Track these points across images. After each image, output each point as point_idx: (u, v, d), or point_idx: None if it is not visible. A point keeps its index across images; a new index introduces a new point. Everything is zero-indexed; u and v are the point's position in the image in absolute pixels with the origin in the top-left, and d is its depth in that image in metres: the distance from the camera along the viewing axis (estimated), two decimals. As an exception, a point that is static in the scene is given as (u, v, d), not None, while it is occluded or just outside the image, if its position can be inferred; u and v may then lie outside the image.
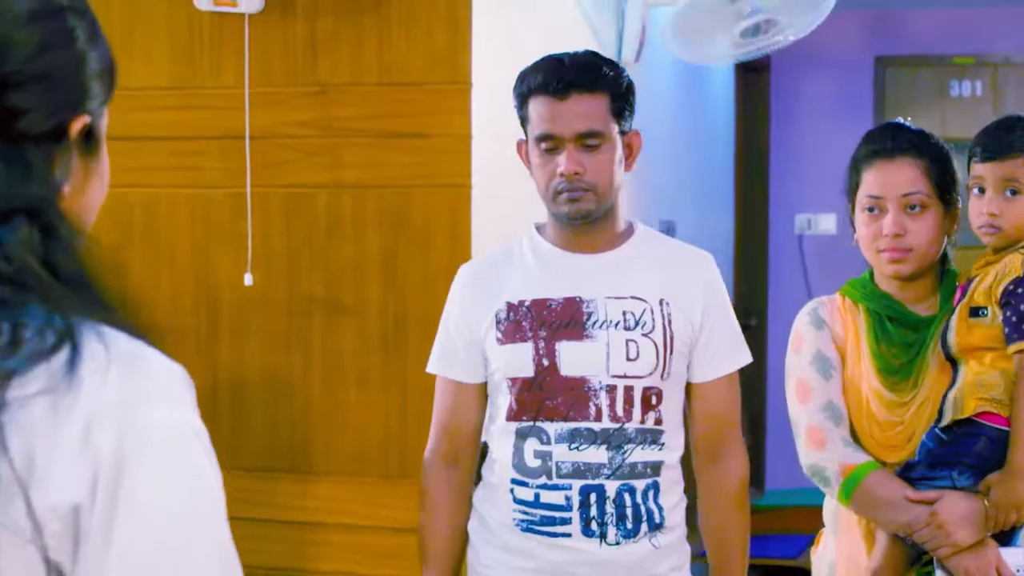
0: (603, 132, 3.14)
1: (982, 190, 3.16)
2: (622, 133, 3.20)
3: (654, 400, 3.18)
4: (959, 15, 8.82)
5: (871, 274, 3.35)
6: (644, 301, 3.19)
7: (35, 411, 1.33)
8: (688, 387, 3.28)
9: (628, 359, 3.15)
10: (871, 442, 3.22)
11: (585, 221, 3.19)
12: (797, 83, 9.10)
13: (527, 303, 3.21)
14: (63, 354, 1.36)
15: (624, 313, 3.17)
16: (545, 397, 3.17)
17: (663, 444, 3.20)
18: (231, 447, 4.21)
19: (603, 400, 3.15)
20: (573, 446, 3.14)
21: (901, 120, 3.39)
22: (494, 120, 4.11)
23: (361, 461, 4.14)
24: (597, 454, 3.14)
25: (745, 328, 3.52)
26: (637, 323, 3.17)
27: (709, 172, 8.12)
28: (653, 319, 3.18)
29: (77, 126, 1.51)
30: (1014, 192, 3.13)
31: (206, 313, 4.26)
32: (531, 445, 3.18)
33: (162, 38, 4.28)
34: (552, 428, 3.16)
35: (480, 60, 4.04)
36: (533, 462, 3.18)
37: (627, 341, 3.16)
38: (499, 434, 3.25)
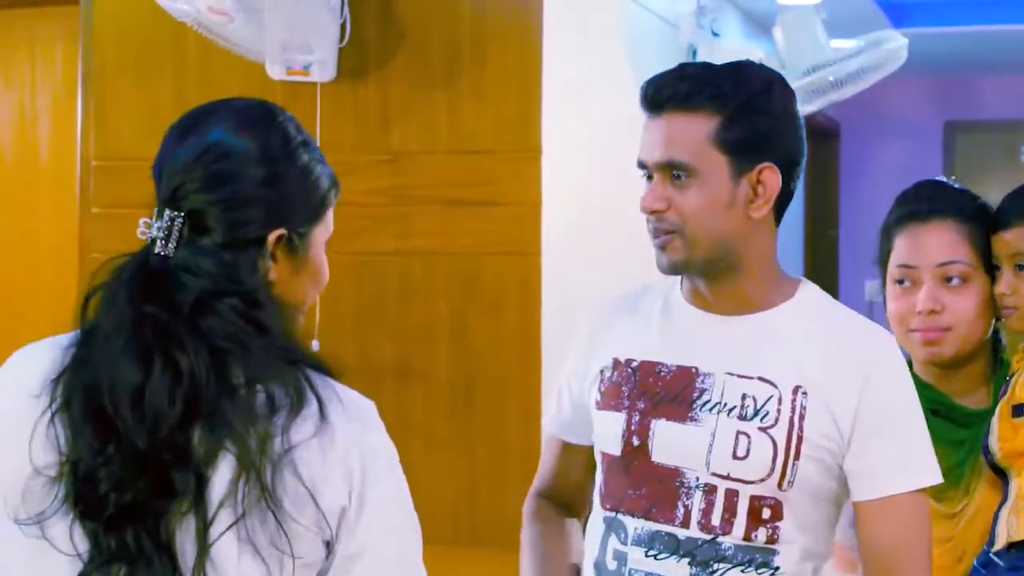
0: (689, 164, 2.44)
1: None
2: (740, 168, 2.46)
3: (767, 513, 2.45)
4: (1029, 81, 8.79)
5: (911, 361, 2.79)
6: (773, 385, 2.46)
7: (312, 449, 1.92)
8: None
9: (735, 456, 2.45)
10: None
11: (684, 274, 2.56)
12: (867, 149, 9.09)
13: (635, 364, 2.57)
14: (313, 406, 1.94)
15: (744, 397, 2.47)
16: (629, 485, 2.54)
17: (776, 570, 2.46)
18: (302, 513, 4.21)
19: (696, 502, 2.47)
20: (651, 552, 2.50)
21: (942, 178, 2.97)
22: (564, 187, 4.13)
23: (431, 528, 4.11)
24: (677, 568, 2.47)
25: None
26: (756, 413, 2.46)
27: (779, 238, 8.10)
28: (779, 410, 2.45)
29: (273, 237, 2.03)
30: (1021, 267, 2.71)
31: (277, 379, 4.28)
32: (612, 543, 2.56)
33: (236, 107, 4.32)
34: (632, 525, 2.53)
35: (550, 128, 4.06)
36: (611, 563, 2.56)
37: (738, 433, 2.45)
38: (593, 517, 2.65)
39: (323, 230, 2.16)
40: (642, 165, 2.50)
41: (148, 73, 4.42)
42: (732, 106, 2.44)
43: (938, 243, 2.75)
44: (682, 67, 2.51)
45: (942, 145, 9.09)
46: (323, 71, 4.14)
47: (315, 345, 4.17)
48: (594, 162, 4.38)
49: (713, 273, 2.51)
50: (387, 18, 4.19)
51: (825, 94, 5.26)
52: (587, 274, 4.29)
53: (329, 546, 1.95)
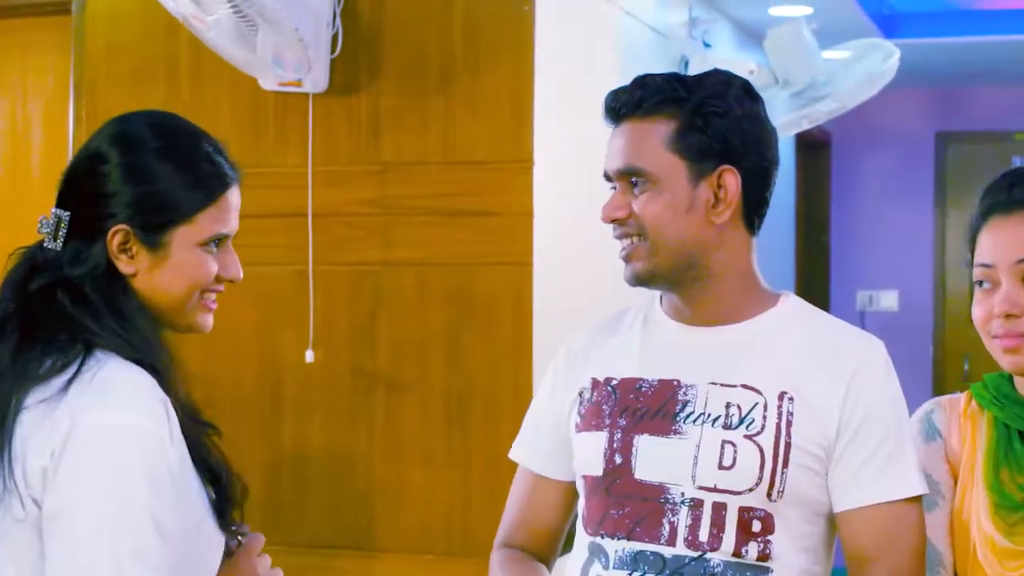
0: (646, 170, 2.40)
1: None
2: (699, 172, 2.41)
3: (757, 526, 2.34)
4: (1021, 92, 8.80)
5: (1010, 376, 2.47)
6: (758, 393, 2.38)
7: (36, 411, 2.08)
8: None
9: (721, 466, 2.35)
10: None
11: (651, 286, 2.48)
12: (858, 159, 9.10)
13: (615, 382, 2.48)
14: (65, 378, 2.08)
15: (728, 406, 2.38)
16: (611, 505, 2.42)
17: None
18: (294, 524, 4.21)
19: (682, 518, 2.36)
20: (634, 575, 2.38)
21: None
22: (557, 198, 4.13)
23: (425, 538, 4.14)
24: None
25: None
26: (742, 420, 2.36)
27: (769, 248, 8.11)
28: (765, 417, 2.36)
29: (111, 234, 2.17)
30: None
31: (269, 389, 4.28)
32: (594, 570, 2.44)
33: (227, 117, 4.33)
34: (612, 548, 2.40)
35: (542, 139, 4.06)
36: None
37: (723, 443, 2.36)
38: (576, 546, 2.52)
39: (193, 231, 2.22)
40: (607, 176, 2.48)
41: (140, 83, 4.42)
42: (688, 109, 2.40)
43: (1018, 238, 2.38)
44: (642, 77, 2.48)
45: (934, 155, 9.10)
46: (315, 82, 4.14)
47: (310, 356, 4.17)
48: (586, 173, 4.36)
49: (682, 284, 2.45)
50: (379, 29, 4.19)
51: (817, 117, 5.27)
52: (579, 285, 4.29)
53: (38, 504, 2.06)
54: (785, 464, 2.34)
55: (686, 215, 2.40)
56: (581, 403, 2.52)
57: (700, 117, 2.40)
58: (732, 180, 2.41)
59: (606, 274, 4.40)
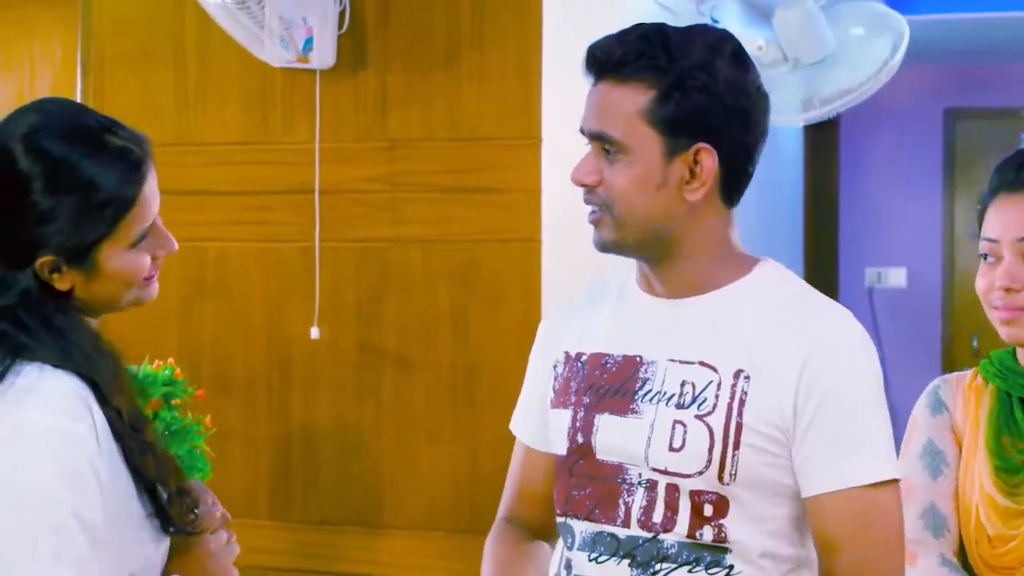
0: (618, 139, 2.26)
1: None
2: (674, 147, 2.26)
3: (709, 510, 2.24)
4: (1029, 68, 8.79)
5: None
6: (714, 370, 2.26)
7: None
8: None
9: (671, 448, 2.25)
10: (978, 561, 2.49)
11: (619, 254, 2.37)
12: (866, 137, 9.08)
13: (584, 357, 2.39)
14: None
15: (683, 384, 2.27)
16: (574, 486, 2.36)
17: (730, 569, 2.25)
18: (302, 500, 4.22)
19: (637, 499, 2.28)
20: (592, 556, 2.32)
21: None
22: (565, 175, 4.10)
23: (432, 515, 4.14)
24: (618, 571, 2.29)
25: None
26: (694, 400, 2.25)
27: (778, 226, 8.10)
28: (718, 396, 2.24)
29: (38, 265, 2.13)
30: None
31: (277, 365, 4.28)
32: (562, 551, 2.39)
33: (235, 94, 4.32)
34: (578, 529, 2.35)
35: (550, 115, 4.05)
36: (562, 573, 2.39)
37: (675, 423, 2.25)
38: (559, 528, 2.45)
39: (119, 240, 2.16)
40: (581, 131, 2.33)
41: (147, 60, 4.42)
42: (667, 80, 2.23)
43: (1022, 216, 2.48)
44: (626, 31, 2.28)
45: (942, 132, 9.08)
46: (322, 58, 4.13)
47: (315, 333, 4.17)
48: (594, 149, 4.37)
49: (650, 257, 2.34)
50: (386, 5, 4.18)
51: (829, 98, 5.24)
52: (587, 261, 4.26)
53: None
54: (736, 446, 2.21)
55: (656, 191, 2.26)
56: (556, 378, 2.44)
57: (679, 90, 2.23)
58: (709, 159, 2.26)
59: (614, 251, 4.40)
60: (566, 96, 4.18)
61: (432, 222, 4.14)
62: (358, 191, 4.20)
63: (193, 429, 3.69)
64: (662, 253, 2.32)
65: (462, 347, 4.10)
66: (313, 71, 4.19)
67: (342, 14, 4.15)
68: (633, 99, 2.25)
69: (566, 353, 2.43)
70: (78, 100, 4.53)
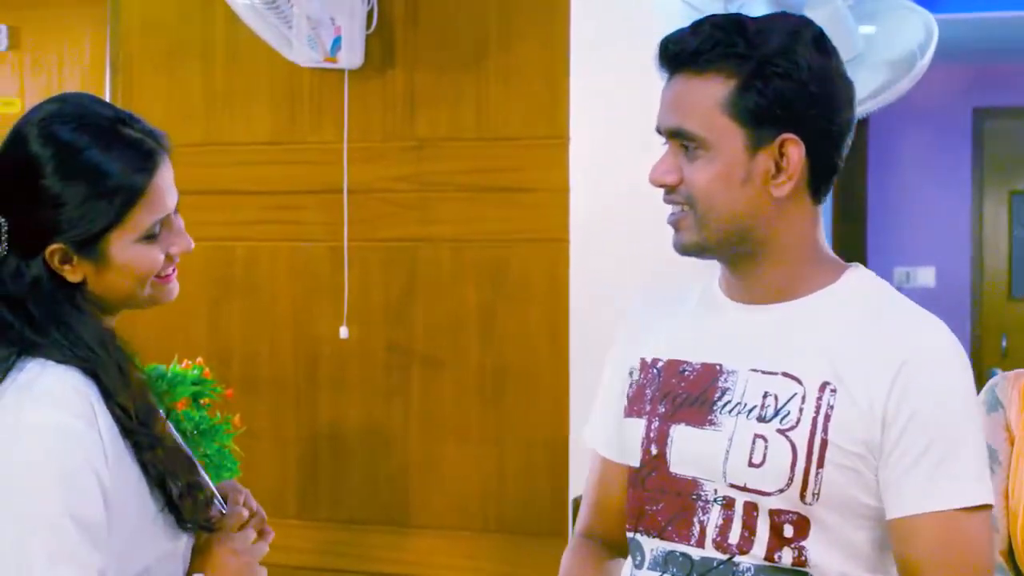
0: (698, 134, 2.13)
1: None
2: (757, 140, 2.13)
3: (789, 531, 2.10)
4: (1059, 66, 8.75)
5: None
6: (798, 382, 2.12)
7: None
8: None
9: (751, 463, 2.11)
10: None
11: (701, 257, 2.23)
12: (895, 135, 9.05)
13: (661, 363, 2.26)
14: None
15: (765, 396, 2.14)
16: (646, 500, 2.22)
17: None
18: (329, 499, 4.22)
19: (713, 517, 2.15)
20: None
21: None
22: (592, 174, 4.11)
23: (459, 514, 4.14)
24: None
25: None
26: (776, 413, 2.12)
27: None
28: (802, 410, 2.10)
29: (48, 252, 2.13)
30: None
31: (305, 364, 4.29)
32: (632, 570, 2.26)
33: (263, 94, 4.33)
34: (648, 547, 2.22)
35: (578, 114, 4.05)
36: None
37: (755, 437, 2.12)
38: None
39: (128, 231, 2.16)
40: (658, 130, 2.19)
41: (176, 61, 4.43)
42: (747, 68, 2.09)
43: None
44: (699, 21, 2.15)
45: (971, 131, 9.05)
46: (350, 58, 4.13)
47: (344, 332, 4.17)
48: (622, 148, 4.36)
49: (734, 259, 2.20)
50: (414, 5, 4.18)
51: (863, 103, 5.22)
52: (616, 260, 4.27)
53: None
54: (820, 464, 2.07)
55: (741, 187, 2.13)
56: (630, 385, 2.30)
57: (760, 78, 2.09)
58: (795, 150, 2.13)
59: (643, 250, 4.39)
60: (593, 96, 4.18)
61: (460, 221, 4.14)
62: (386, 191, 4.21)
63: (222, 428, 3.70)
64: (747, 255, 2.19)
65: (490, 346, 4.10)
66: (341, 71, 4.19)
67: (370, 14, 4.15)
68: (712, 91, 2.11)
69: (642, 359, 2.30)
70: (107, 99, 4.54)
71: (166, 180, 2.18)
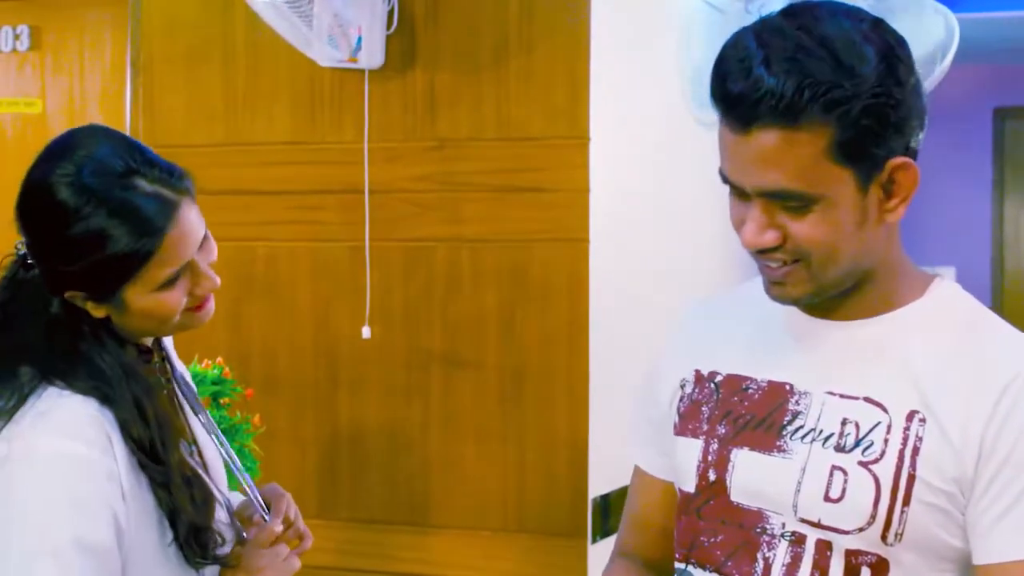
0: (804, 192, 1.88)
1: None
2: (868, 174, 1.91)
3: (866, 573, 1.91)
4: (1080, 66, 8.73)
5: None
6: (883, 409, 1.93)
7: None
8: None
9: (828, 498, 1.92)
10: None
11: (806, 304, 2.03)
12: (915, 136, 9.04)
13: (719, 378, 2.09)
14: (12, 406, 2.10)
15: (844, 423, 1.94)
16: (702, 530, 2.05)
17: None
18: (350, 499, 4.22)
19: (780, 555, 1.96)
20: None
21: None
22: (613, 174, 4.11)
23: (479, 515, 4.14)
24: None
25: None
26: (858, 443, 1.92)
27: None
28: (887, 441, 1.91)
29: (69, 296, 2.19)
30: None
31: (325, 365, 4.29)
32: None
33: (283, 94, 4.33)
34: None
35: (598, 114, 4.05)
36: None
37: (833, 468, 1.93)
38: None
39: (144, 284, 2.19)
40: (726, 181, 1.97)
41: (197, 62, 4.43)
42: (854, 110, 1.85)
43: None
44: (767, 63, 1.85)
45: (992, 131, 9.03)
46: (371, 58, 4.14)
47: (366, 332, 4.18)
48: (643, 148, 4.37)
49: (841, 292, 2.02)
50: (435, 4, 4.18)
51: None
52: (636, 262, 4.27)
53: None
54: (906, 502, 1.89)
55: (859, 229, 1.93)
56: (682, 399, 2.14)
57: (870, 116, 1.86)
58: (907, 173, 1.95)
59: (664, 251, 4.39)
60: (614, 96, 4.18)
61: (481, 222, 4.14)
62: (407, 191, 4.21)
63: (242, 428, 3.71)
64: (853, 284, 2.02)
65: (510, 347, 4.10)
66: (361, 71, 4.20)
67: (390, 13, 4.15)
68: (814, 141, 1.86)
69: (696, 371, 2.14)
70: (127, 101, 4.55)
71: (183, 229, 2.17)
